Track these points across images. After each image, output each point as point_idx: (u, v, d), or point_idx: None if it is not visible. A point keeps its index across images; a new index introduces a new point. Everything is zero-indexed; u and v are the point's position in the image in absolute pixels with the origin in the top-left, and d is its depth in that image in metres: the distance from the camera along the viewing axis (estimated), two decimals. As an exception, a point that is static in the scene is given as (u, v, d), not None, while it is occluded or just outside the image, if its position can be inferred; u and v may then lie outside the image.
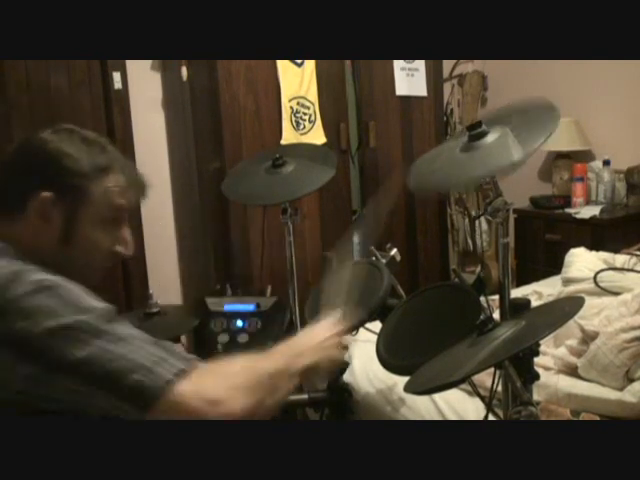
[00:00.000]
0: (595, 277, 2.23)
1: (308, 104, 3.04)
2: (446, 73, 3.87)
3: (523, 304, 1.33)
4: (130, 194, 1.09)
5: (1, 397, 0.89)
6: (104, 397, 0.89)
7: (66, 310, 0.89)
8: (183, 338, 2.54)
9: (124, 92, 2.91)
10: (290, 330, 1.98)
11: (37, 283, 0.91)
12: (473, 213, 3.80)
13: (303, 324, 1.82)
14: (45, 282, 0.92)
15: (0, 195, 1.05)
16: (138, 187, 1.12)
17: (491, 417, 1.44)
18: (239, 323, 2.43)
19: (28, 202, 1.01)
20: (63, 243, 1.03)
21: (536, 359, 1.23)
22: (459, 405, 1.77)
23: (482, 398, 1.57)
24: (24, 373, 0.87)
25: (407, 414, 1.85)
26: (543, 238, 3.39)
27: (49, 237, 1.03)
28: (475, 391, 1.57)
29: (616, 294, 2.09)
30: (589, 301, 1.85)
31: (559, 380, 1.75)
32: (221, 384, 0.94)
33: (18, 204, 1.02)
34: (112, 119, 2.89)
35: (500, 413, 1.43)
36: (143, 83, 3.09)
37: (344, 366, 1.48)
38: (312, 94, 3.05)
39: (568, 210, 3.37)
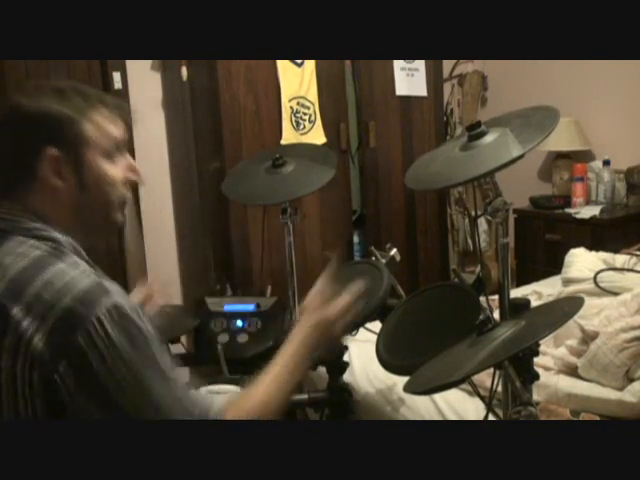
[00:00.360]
0: (595, 277, 2.23)
1: (308, 104, 3.04)
2: (446, 73, 3.86)
3: (523, 304, 1.33)
4: (119, 121, 1.10)
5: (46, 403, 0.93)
6: None
7: (124, 343, 0.93)
8: (183, 338, 2.54)
9: (124, 92, 2.91)
10: (290, 330, 1.98)
11: (113, 308, 0.93)
12: (473, 213, 3.79)
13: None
14: (121, 310, 0.94)
15: (5, 173, 1.05)
16: (123, 112, 1.12)
17: (491, 417, 1.44)
18: (239, 323, 2.43)
19: (36, 168, 1.01)
20: (81, 190, 1.04)
21: (536, 359, 1.23)
22: (459, 405, 1.78)
23: (482, 398, 1.57)
24: (75, 399, 0.92)
25: (407, 414, 1.85)
26: (543, 238, 3.39)
27: (68, 192, 1.03)
28: (475, 391, 1.57)
29: (616, 294, 2.09)
30: (589, 301, 1.85)
31: (559, 380, 1.75)
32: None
33: (26, 174, 1.02)
34: (112, 119, 2.89)
35: (500, 413, 1.43)
36: (143, 83, 3.08)
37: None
38: (312, 94, 3.05)
39: (568, 210, 3.37)
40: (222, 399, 1.05)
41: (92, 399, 0.92)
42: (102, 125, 1.06)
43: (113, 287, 0.97)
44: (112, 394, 0.92)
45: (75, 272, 0.96)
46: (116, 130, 1.08)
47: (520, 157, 1.13)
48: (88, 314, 0.91)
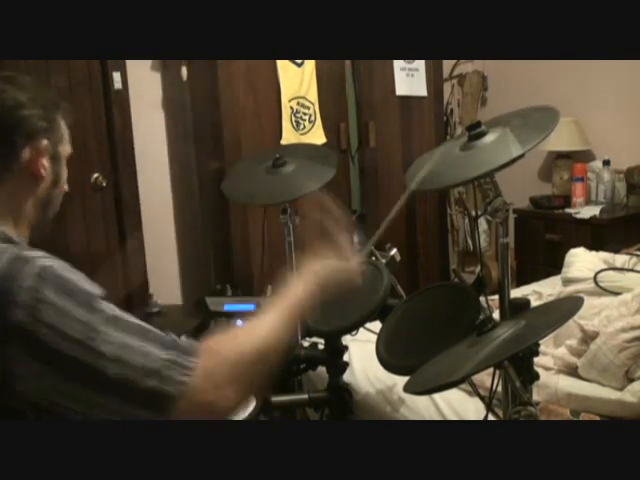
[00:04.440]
0: (595, 277, 2.23)
1: (308, 104, 3.04)
2: (446, 73, 3.86)
3: (523, 304, 1.33)
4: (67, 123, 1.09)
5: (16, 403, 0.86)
6: (118, 404, 0.86)
7: (70, 304, 0.85)
8: (183, 338, 2.54)
9: (124, 92, 2.91)
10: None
11: (41, 273, 0.86)
12: (473, 213, 3.79)
13: (303, 325, 1.83)
14: (50, 270, 0.87)
15: None
16: (69, 116, 1.10)
17: (491, 417, 1.44)
18: (239, 323, 2.42)
19: (14, 163, 0.98)
20: (52, 185, 1.04)
21: (536, 359, 1.23)
22: (459, 405, 1.78)
23: (482, 398, 1.57)
24: (41, 380, 0.84)
25: (407, 414, 1.85)
26: (543, 238, 3.39)
27: (41, 185, 1.02)
28: (475, 391, 1.57)
29: (616, 294, 2.09)
30: (589, 301, 1.85)
31: (559, 380, 1.75)
32: (228, 379, 0.89)
33: (9, 160, 0.99)
34: (112, 119, 2.89)
35: (500, 413, 1.43)
36: (143, 83, 3.08)
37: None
38: (312, 94, 3.05)
39: (568, 210, 3.37)
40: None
41: (62, 374, 0.84)
42: (66, 125, 1.07)
43: (35, 253, 0.89)
44: (82, 359, 0.83)
45: None
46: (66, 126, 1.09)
47: (520, 157, 1.13)
48: (14, 287, 0.84)
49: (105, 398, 0.86)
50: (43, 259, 0.89)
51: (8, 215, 1.00)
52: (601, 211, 3.23)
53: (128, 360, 0.85)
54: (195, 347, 0.90)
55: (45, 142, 1.01)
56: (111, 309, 0.89)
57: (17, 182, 1.00)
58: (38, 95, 1.03)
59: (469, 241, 3.92)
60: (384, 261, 1.85)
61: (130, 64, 2.91)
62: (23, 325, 0.83)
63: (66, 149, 1.07)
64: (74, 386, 0.85)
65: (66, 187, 1.10)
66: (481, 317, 1.29)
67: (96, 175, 2.85)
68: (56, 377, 0.84)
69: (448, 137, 3.86)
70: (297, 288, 1.05)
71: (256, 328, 0.97)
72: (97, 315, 0.86)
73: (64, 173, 1.07)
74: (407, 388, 1.19)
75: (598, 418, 1.62)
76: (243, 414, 1.43)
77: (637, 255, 2.51)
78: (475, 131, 1.24)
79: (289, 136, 2.99)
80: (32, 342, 0.83)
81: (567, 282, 2.40)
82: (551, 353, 1.88)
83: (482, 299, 1.42)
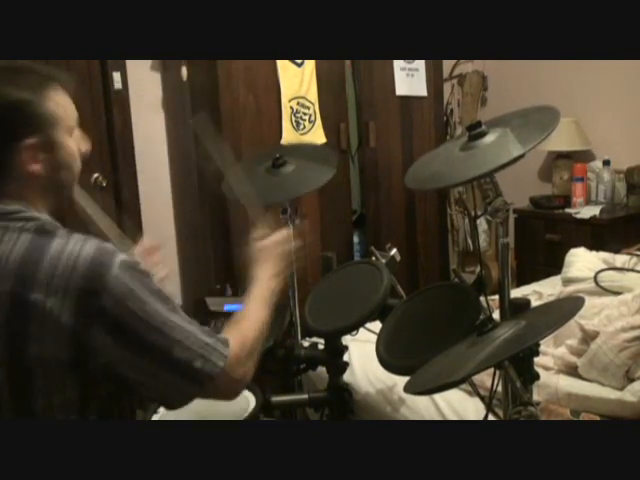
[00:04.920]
0: (595, 277, 2.23)
1: (308, 104, 3.04)
2: (446, 73, 3.86)
3: (523, 304, 1.33)
4: (69, 96, 1.08)
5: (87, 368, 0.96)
6: (175, 379, 1.00)
7: (145, 294, 0.98)
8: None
9: (124, 92, 2.91)
10: (290, 330, 1.98)
11: (123, 264, 0.97)
12: (473, 213, 3.79)
13: (303, 324, 1.83)
14: (128, 263, 0.98)
15: None
16: (70, 85, 1.10)
17: (491, 417, 1.44)
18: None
19: (12, 161, 1.00)
20: (54, 171, 1.05)
21: (536, 359, 1.23)
22: (459, 405, 1.77)
23: (482, 398, 1.57)
24: (110, 350, 0.96)
25: (407, 414, 1.85)
26: (543, 238, 3.39)
27: (44, 174, 1.04)
28: (475, 391, 1.57)
29: (616, 294, 2.09)
30: (589, 301, 1.85)
31: (559, 380, 1.75)
32: (249, 365, 1.09)
33: (1, 168, 1.01)
34: (112, 119, 2.89)
35: (500, 413, 1.43)
36: (143, 83, 3.08)
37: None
38: (312, 94, 3.05)
39: (568, 210, 3.37)
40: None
41: (138, 352, 0.97)
42: (62, 102, 1.05)
43: (111, 246, 1.00)
44: (154, 342, 0.97)
45: (73, 242, 0.98)
46: (70, 104, 1.08)
47: (520, 157, 1.13)
48: (105, 276, 0.95)
49: (166, 374, 1.00)
50: (119, 252, 0.99)
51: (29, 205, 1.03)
52: (601, 211, 3.23)
53: (188, 345, 1.00)
54: (226, 338, 1.07)
55: (31, 140, 1.00)
56: (171, 300, 1.03)
57: (19, 183, 1.02)
58: (17, 84, 1.01)
59: (469, 241, 3.92)
60: (384, 261, 1.85)
61: (130, 64, 2.91)
62: (109, 310, 0.94)
63: (64, 129, 1.05)
64: (142, 361, 0.98)
65: (86, 147, 1.11)
66: (481, 317, 1.29)
67: (96, 175, 2.85)
68: (128, 353, 0.97)
69: (448, 137, 3.86)
70: (259, 274, 1.30)
71: (247, 316, 1.17)
72: (164, 304, 1.00)
73: (68, 154, 1.06)
74: (407, 388, 1.19)
75: (598, 418, 1.62)
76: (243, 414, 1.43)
77: (637, 255, 2.51)
78: (475, 131, 1.24)
79: (289, 136, 2.98)
80: (116, 325, 0.95)
81: (567, 282, 2.40)
82: (551, 353, 1.88)
83: (482, 299, 1.42)
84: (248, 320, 1.16)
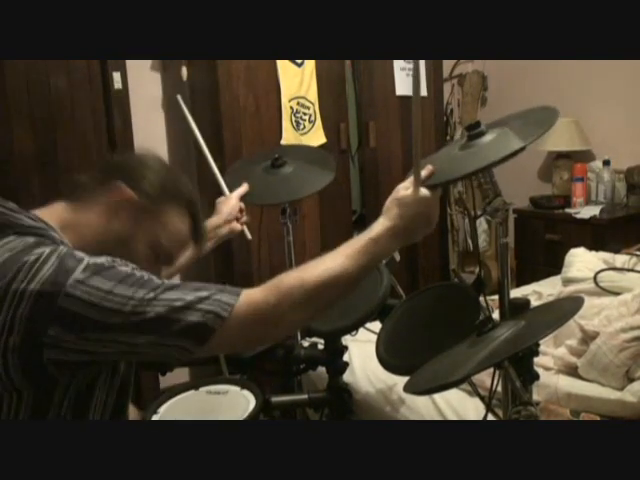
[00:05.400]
0: (595, 277, 2.23)
1: (308, 104, 3.04)
2: (446, 73, 3.87)
3: (522, 304, 1.33)
4: (186, 237, 1.17)
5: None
6: (161, 339, 0.95)
7: (109, 285, 0.94)
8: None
9: (124, 92, 2.91)
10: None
11: (86, 269, 0.94)
12: (473, 213, 3.80)
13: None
14: (91, 265, 0.95)
15: (80, 185, 1.12)
16: (201, 235, 1.22)
17: (491, 417, 1.44)
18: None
19: (102, 190, 1.09)
20: (120, 243, 1.08)
21: (536, 359, 1.23)
22: (459, 405, 1.78)
23: (482, 398, 1.57)
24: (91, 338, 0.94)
25: (407, 414, 1.86)
26: (543, 238, 3.39)
27: (112, 229, 1.08)
28: (475, 391, 1.57)
29: (616, 294, 2.09)
30: (589, 301, 1.85)
31: (559, 380, 1.75)
32: (272, 301, 0.99)
33: (91, 190, 1.10)
34: (112, 119, 2.89)
35: (500, 413, 1.43)
36: (143, 83, 3.09)
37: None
38: (312, 94, 3.05)
39: (568, 210, 3.37)
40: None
41: (110, 336, 0.94)
42: (172, 222, 1.15)
43: (80, 254, 0.98)
44: (131, 325, 0.93)
45: (49, 249, 0.96)
46: (181, 232, 1.17)
47: (521, 150, 1.12)
48: (65, 280, 0.92)
49: (159, 344, 0.95)
50: (91, 258, 0.97)
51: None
52: (601, 211, 3.23)
53: (176, 308, 0.95)
54: (237, 289, 1.00)
55: (121, 184, 1.11)
56: (150, 280, 0.98)
57: (95, 212, 1.10)
58: (156, 170, 1.18)
59: (469, 241, 3.92)
60: (384, 261, 1.84)
61: (130, 64, 2.91)
62: (70, 310, 0.91)
63: (153, 236, 1.12)
64: (136, 339, 0.94)
65: (152, 267, 1.10)
66: (481, 317, 1.29)
67: (96, 175, 2.85)
68: (95, 334, 0.93)
69: (448, 137, 3.86)
70: (373, 226, 1.11)
71: (322, 260, 1.04)
72: (138, 287, 0.95)
73: (135, 250, 1.10)
74: (407, 388, 1.19)
75: (598, 418, 1.63)
76: (243, 414, 1.43)
77: (637, 255, 2.51)
78: (475, 131, 1.24)
79: (289, 136, 2.99)
80: (73, 319, 0.92)
81: (567, 282, 2.40)
82: (551, 353, 1.88)
83: (482, 299, 1.42)
84: (312, 267, 1.04)
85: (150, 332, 0.95)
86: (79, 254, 0.97)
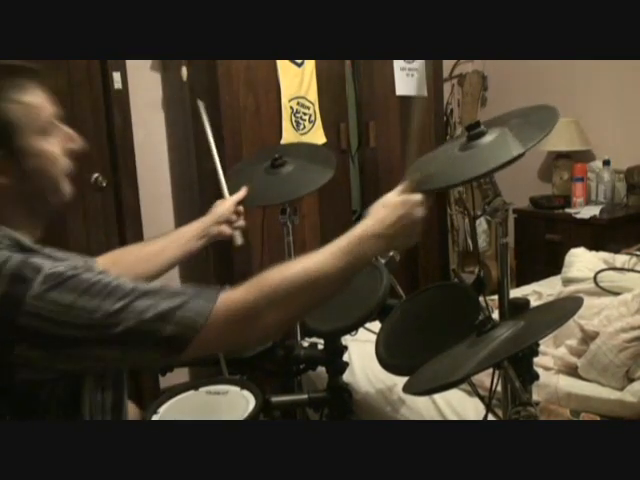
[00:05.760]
0: (595, 277, 2.23)
1: (308, 104, 3.04)
2: (446, 73, 3.87)
3: (523, 304, 1.33)
4: (39, 90, 1.03)
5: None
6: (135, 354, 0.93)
7: (71, 299, 0.90)
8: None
9: (124, 92, 2.91)
10: (290, 330, 1.98)
11: (51, 277, 0.90)
12: (473, 213, 3.80)
13: (302, 324, 1.83)
14: (55, 273, 0.91)
15: None
16: (40, 77, 1.05)
17: (491, 417, 1.44)
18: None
19: None
20: (23, 180, 0.99)
21: (536, 359, 1.23)
22: (459, 405, 1.78)
23: (482, 398, 1.57)
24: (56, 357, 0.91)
25: (407, 414, 1.85)
26: (543, 238, 3.39)
27: (11, 185, 0.98)
28: (475, 391, 1.57)
29: (616, 294, 2.09)
30: (589, 301, 1.85)
31: (559, 380, 1.75)
32: (251, 298, 0.98)
33: None
34: (112, 119, 2.89)
35: (500, 413, 1.43)
36: (143, 83, 3.08)
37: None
38: (312, 94, 3.05)
39: (568, 210, 3.37)
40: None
41: (80, 351, 0.91)
42: (27, 102, 0.99)
43: (42, 261, 0.93)
44: (97, 338, 0.90)
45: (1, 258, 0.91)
46: (42, 101, 1.02)
47: (521, 156, 1.12)
48: (23, 296, 0.88)
49: (134, 353, 0.93)
50: (48, 266, 0.91)
51: (7, 223, 0.99)
52: (601, 211, 3.23)
53: (145, 319, 0.91)
54: (213, 292, 0.97)
55: None
56: (117, 287, 0.93)
57: None
58: None
59: (469, 241, 3.92)
60: (383, 261, 1.84)
61: (130, 64, 2.91)
62: (31, 328, 0.88)
63: (33, 131, 0.99)
64: (109, 354, 0.92)
65: (72, 144, 1.04)
66: (480, 317, 1.29)
67: (96, 175, 2.85)
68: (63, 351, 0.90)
69: (448, 137, 3.86)
70: (358, 226, 1.07)
71: (306, 258, 1.02)
72: (103, 298, 0.91)
73: (41, 159, 1.00)
74: (406, 388, 1.19)
75: (598, 418, 1.62)
76: (243, 414, 1.43)
77: (637, 255, 2.51)
78: (474, 131, 1.24)
79: (289, 136, 2.98)
80: (37, 337, 0.88)
81: (567, 282, 2.40)
82: (551, 353, 1.88)
83: (481, 299, 1.42)
84: (295, 264, 1.01)
85: (121, 345, 0.91)
86: (36, 261, 0.92)
